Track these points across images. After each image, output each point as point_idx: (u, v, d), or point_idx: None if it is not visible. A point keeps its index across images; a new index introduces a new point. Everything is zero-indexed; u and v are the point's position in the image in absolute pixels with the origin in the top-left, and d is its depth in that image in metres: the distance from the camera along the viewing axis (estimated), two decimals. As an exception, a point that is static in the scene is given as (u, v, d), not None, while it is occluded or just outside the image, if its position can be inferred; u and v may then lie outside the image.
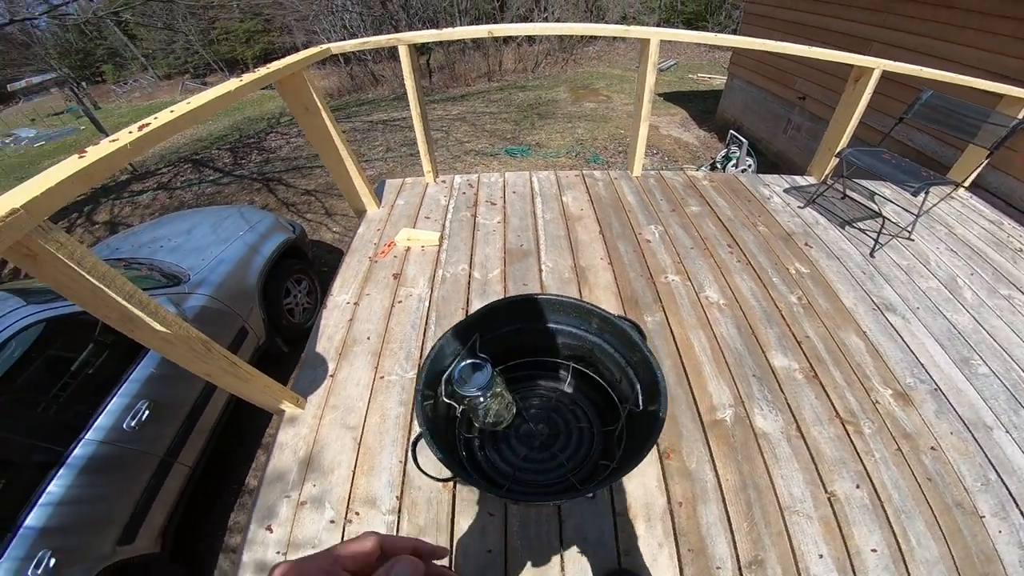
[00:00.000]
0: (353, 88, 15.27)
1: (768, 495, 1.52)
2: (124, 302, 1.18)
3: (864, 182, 3.45)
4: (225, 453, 2.91)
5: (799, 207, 3.14)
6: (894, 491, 1.55)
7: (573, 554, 1.38)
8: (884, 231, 2.80)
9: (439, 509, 1.51)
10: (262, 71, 1.99)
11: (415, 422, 1.58)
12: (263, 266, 3.23)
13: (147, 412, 2.26)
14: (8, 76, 33.82)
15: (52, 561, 1.80)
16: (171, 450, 2.39)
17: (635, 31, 2.72)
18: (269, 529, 1.51)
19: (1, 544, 1.76)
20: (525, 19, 16.26)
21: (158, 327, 1.24)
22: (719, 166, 6.75)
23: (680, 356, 1.97)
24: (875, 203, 3.22)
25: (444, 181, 3.27)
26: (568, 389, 1.12)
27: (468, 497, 1.52)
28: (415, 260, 2.53)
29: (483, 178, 3.30)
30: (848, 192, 3.32)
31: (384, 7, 14.43)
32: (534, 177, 3.32)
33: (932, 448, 1.68)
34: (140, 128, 1.35)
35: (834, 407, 1.80)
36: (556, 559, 1.37)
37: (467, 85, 13.92)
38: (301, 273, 3.70)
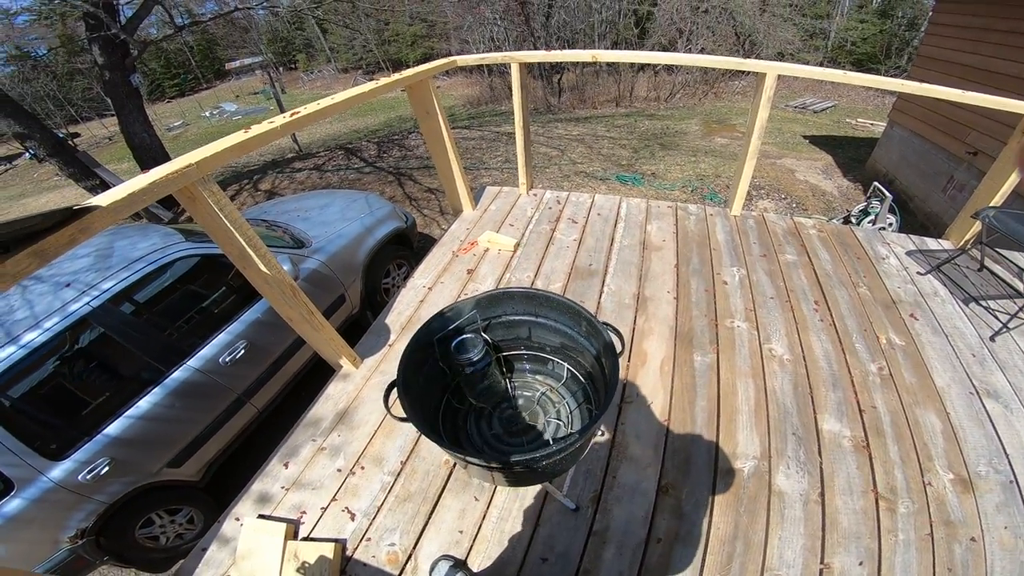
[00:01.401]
0: (491, 99, 16.31)
1: (755, 553, 1.44)
2: (244, 243, 1.54)
3: (1017, 255, 2.93)
4: (293, 410, 3.31)
5: (919, 273, 2.78)
6: (901, 574, 1.40)
7: (534, 559, 1.45)
8: (1022, 315, 2.39)
9: (432, 481, 1.68)
10: (395, 76, 2.34)
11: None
12: (372, 247, 3.67)
13: (243, 351, 2.64)
14: (227, 56, 41.67)
15: (106, 469, 2.09)
16: (249, 390, 2.73)
17: (751, 64, 2.66)
18: (286, 465, 1.78)
19: (75, 446, 2.06)
20: (666, 47, 16.01)
21: (262, 267, 1.59)
22: (853, 220, 6.09)
23: (719, 399, 1.92)
24: (1022, 280, 2.73)
25: (536, 194, 3.47)
26: (561, 389, 1.21)
27: (462, 479, 1.67)
28: (490, 261, 2.75)
29: (572, 196, 3.43)
30: (988, 264, 2.84)
31: (527, 25, 15.24)
32: (623, 203, 3.37)
33: (972, 539, 1.49)
34: (292, 115, 1.75)
35: (874, 480, 1.65)
36: (518, 558, 1.45)
37: (593, 108, 14.13)
38: (403, 259, 4.12)
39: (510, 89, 2.95)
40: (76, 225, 1.09)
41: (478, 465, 0.91)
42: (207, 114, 25.88)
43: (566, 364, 1.21)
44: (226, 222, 1.49)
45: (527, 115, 3.08)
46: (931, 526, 1.52)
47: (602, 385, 1.02)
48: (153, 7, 6.73)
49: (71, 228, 1.08)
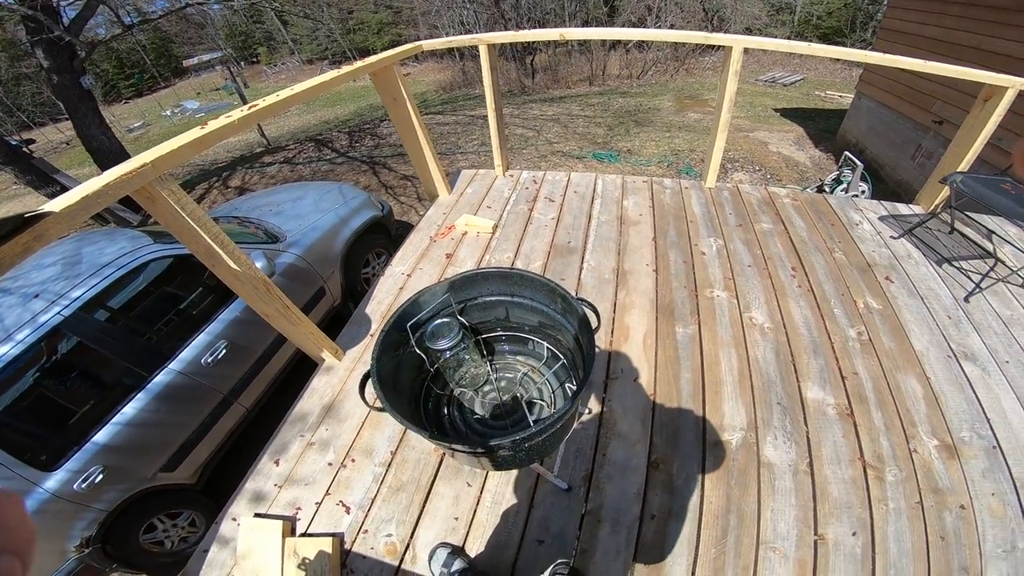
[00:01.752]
0: (464, 83, 16.07)
1: (749, 526, 1.46)
2: (210, 241, 1.48)
3: (985, 217, 3.01)
4: (280, 408, 3.27)
5: (892, 237, 2.84)
6: (894, 544, 1.42)
7: (531, 541, 1.45)
8: (992, 274, 2.45)
9: (423, 470, 1.67)
10: (358, 64, 2.27)
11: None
12: (349, 237, 3.61)
13: (224, 351, 2.60)
14: (184, 53, 40.13)
15: (100, 477, 2.08)
16: (234, 390, 2.71)
17: (717, 38, 2.65)
18: (276, 463, 1.76)
19: (65, 455, 2.04)
20: (636, 25, 15.93)
21: (232, 264, 1.53)
22: (827, 189, 6.19)
23: (703, 371, 1.93)
24: (992, 242, 2.81)
25: (512, 175, 3.43)
26: (542, 369, 1.20)
27: (453, 465, 1.66)
28: (468, 244, 2.72)
29: (548, 175, 3.40)
30: (959, 227, 2.91)
31: (497, 6, 14.99)
32: (599, 179, 3.35)
33: (961, 507, 1.51)
34: (249, 108, 1.67)
35: (860, 449, 1.67)
36: (515, 541, 1.46)
37: (567, 87, 14.03)
38: (382, 248, 4.06)
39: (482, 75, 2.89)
40: (29, 233, 1.04)
41: (463, 452, 0.89)
42: (168, 113, 24.92)
43: (545, 343, 1.20)
44: (189, 221, 1.43)
45: (499, 97, 3.03)
46: (920, 494, 1.55)
47: (582, 362, 1.01)
48: (97, 7, 6.39)
49: (24, 236, 1.03)
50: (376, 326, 2.26)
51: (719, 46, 2.74)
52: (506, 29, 14.65)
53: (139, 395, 2.30)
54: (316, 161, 8.43)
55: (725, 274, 2.47)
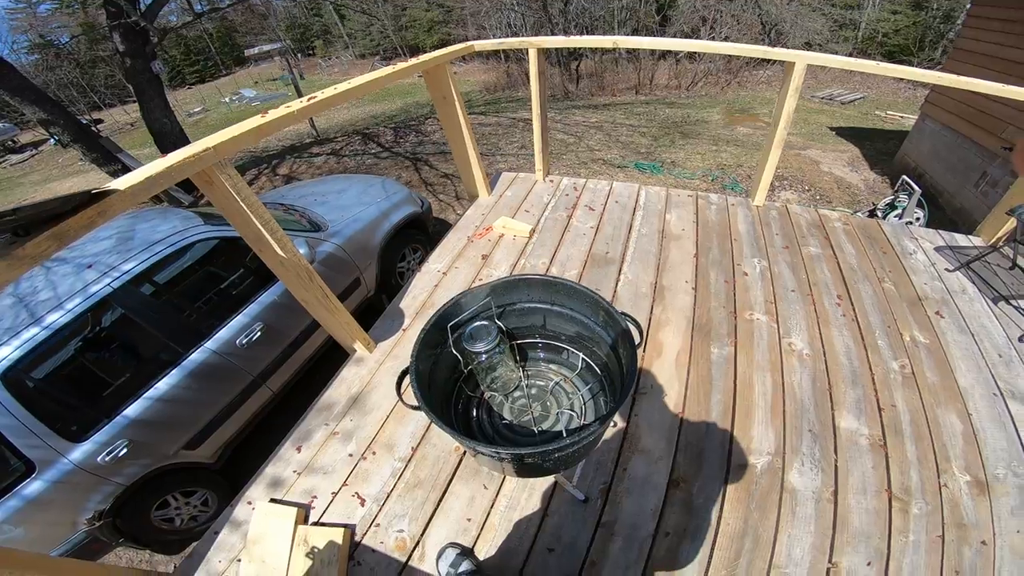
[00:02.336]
0: (508, 85, 16.15)
1: (763, 550, 1.42)
2: (260, 226, 1.54)
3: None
4: (304, 394, 3.34)
5: (947, 269, 2.68)
6: None
7: (541, 549, 1.44)
8: (1053, 317, 2.29)
9: (442, 468, 1.67)
10: (412, 61, 2.32)
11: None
12: (388, 231, 3.68)
13: (259, 334, 2.66)
14: (246, 43, 41.92)
15: (124, 451, 2.10)
16: (264, 373, 2.76)
17: (778, 53, 2.57)
18: (298, 449, 1.79)
19: (94, 427, 2.06)
20: (689, 36, 15.63)
21: (278, 250, 1.59)
22: (879, 214, 5.91)
23: (735, 393, 1.88)
24: None
25: (552, 181, 3.42)
26: (575, 379, 1.18)
27: (471, 466, 1.66)
28: (505, 247, 2.73)
29: (589, 183, 3.37)
30: (1021, 262, 2.73)
31: (545, 11, 15.00)
32: (643, 191, 3.30)
33: (982, 542, 1.45)
34: (308, 100, 1.74)
35: (889, 480, 1.61)
36: (525, 548, 1.45)
37: (612, 95, 13.90)
38: (418, 244, 4.12)
39: (527, 75, 2.89)
40: (95, 208, 1.10)
41: (488, 456, 0.89)
42: (227, 100, 26.11)
43: (581, 354, 1.19)
44: (243, 206, 1.49)
45: (544, 101, 3.03)
46: (943, 528, 1.49)
47: (618, 376, 1.00)
48: (172, -6, 6.76)
49: (90, 211, 1.09)
50: (409, 321, 2.29)
51: (774, 60, 2.66)
52: (553, 34, 14.65)
53: (173, 371, 2.34)
54: (361, 155, 8.64)
55: (767, 297, 2.39)
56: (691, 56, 14.91)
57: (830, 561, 1.40)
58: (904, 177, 5.95)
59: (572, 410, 1.13)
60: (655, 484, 1.58)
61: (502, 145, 8.48)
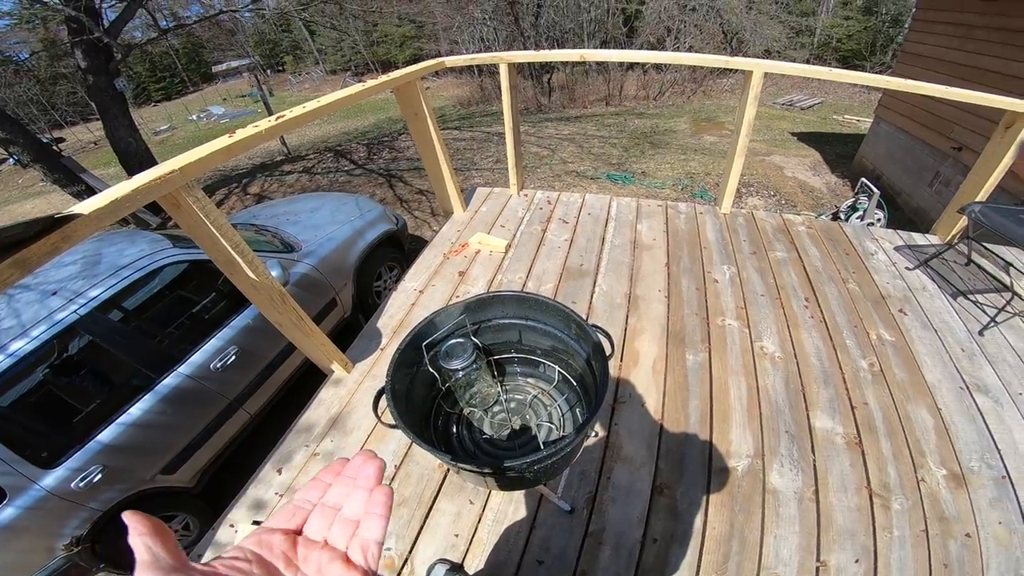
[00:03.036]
0: (482, 99, 16.29)
1: (751, 551, 1.45)
2: (230, 249, 1.52)
3: (1003, 249, 2.96)
4: (282, 417, 3.27)
5: (907, 268, 2.81)
6: (897, 572, 1.41)
7: (530, 561, 1.45)
8: (1008, 308, 2.40)
9: (427, 486, 1.67)
10: (383, 78, 2.33)
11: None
12: (363, 250, 3.66)
13: (234, 357, 2.62)
14: (214, 59, 41.26)
15: (99, 476, 2.08)
16: (241, 396, 2.72)
17: (737, 62, 2.68)
18: (279, 471, 1.77)
19: (66, 453, 2.04)
20: (655, 46, 16.09)
21: (249, 273, 1.57)
22: (842, 216, 6.15)
23: (711, 398, 1.92)
24: (1009, 275, 2.76)
25: (527, 195, 3.47)
26: (552, 392, 1.20)
27: (456, 482, 1.66)
28: (481, 262, 2.75)
29: (562, 196, 3.43)
30: (976, 258, 2.87)
31: (517, 24, 15.24)
32: (614, 202, 3.37)
33: (967, 535, 1.51)
34: (277, 118, 1.73)
35: (867, 477, 1.66)
36: (514, 560, 1.45)
37: (584, 107, 14.16)
38: (394, 262, 4.10)
39: (500, 89, 2.94)
40: (58, 234, 1.07)
41: (470, 471, 0.90)
42: (194, 117, 25.59)
43: (557, 367, 1.21)
44: (211, 228, 1.47)
45: (517, 115, 3.08)
46: (926, 522, 1.54)
47: (593, 388, 1.02)
48: (136, 10, 6.64)
49: (53, 237, 1.06)
50: (386, 340, 2.28)
51: (736, 68, 2.77)
52: (525, 47, 14.90)
53: (146, 396, 2.31)
54: (334, 172, 8.58)
55: (737, 303, 2.46)
56: (657, 67, 15.33)
57: (818, 560, 1.44)
58: (863, 180, 6.21)
59: (551, 422, 1.15)
60: (639, 491, 1.61)
61: (477, 160, 8.53)
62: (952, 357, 2.18)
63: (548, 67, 15.59)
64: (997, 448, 1.76)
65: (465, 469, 0.90)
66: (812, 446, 1.76)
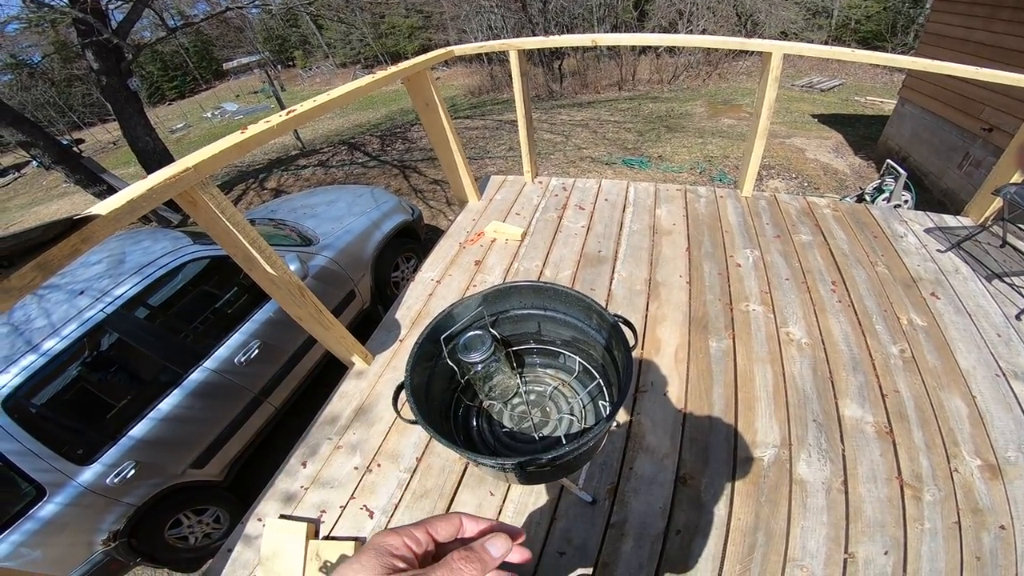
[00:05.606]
0: (493, 87, 16.15)
1: (777, 543, 1.41)
2: (248, 245, 1.51)
3: (1035, 232, 2.84)
4: (307, 408, 3.31)
5: (938, 250, 2.70)
6: (927, 564, 1.36)
7: (551, 552, 1.43)
8: (1047, 292, 2.31)
9: (448, 477, 1.66)
10: (392, 69, 2.30)
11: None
12: (380, 241, 3.66)
13: (257, 351, 2.65)
14: (224, 56, 41.54)
15: (132, 472, 2.13)
16: (265, 389, 2.76)
17: (755, 44, 2.60)
18: (304, 464, 1.78)
19: (101, 450, 2.09)
20: (667, 30, 15.71)
21: (268, 268, 1.57)
22: (868, 199, 5.97)
23: (736, 386, 1.87)
24: None
25: (541, 182, 3.42)
26: (573, 383, 1.17)
27: (477, 474, 1.65)
28: (497, 251, 2.72)
29: (578, 183, 3.37)
30: (1011, 240, 2.76)
31: (524, 11, 15.00)
32: (631, 187, 3.31)
33: (1001, 527, 1.44)
34: (288, 113, 1.71)
35: (899, 467, 1.60)
36: (535, 551, 1.44)
37: (596, 92, 13.94)
38: (411, 252, 4.11)
39: (511, 77, 2.88)
40: (78, 235, 1.07)
41: (491, 466, 0.88)
42: (209, 115, 25.88)
43: (577, 358, 1.17)
44: (228, 225, 1.47)
45: (528, 102, 3.02)
46: (958, 514, 1.48)
47: (615, 378, 0.99)
48: (143, 10, 6.67)
49: (73, 239, 1.06)
50: (405, 331, 2.27)
51: (753, 50, 2.68)
52: (534, 34, 14.67)
53: (174, 392, 2.35)
54: (349, 164, 8.60)
55: (762, 287, 2.40)
56: (671, 50, 15.00)
57: (846, 552, 1.40)
58: (889, 161, 6.01)
59: (572, 414, 1.12)
60: (662, 482, 1.58)
61: (490, 148, 8.47)
62: (987, 342, 2.09)
63: (558, 53, 15.36)
64: (1036, 437, 1.69)
65: (485, 464, 0.88)
66: (841, 435, 1.70)
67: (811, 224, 2.95)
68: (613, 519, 1.49)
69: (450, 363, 1.05)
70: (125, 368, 2.39)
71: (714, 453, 1.65)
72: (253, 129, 1.56)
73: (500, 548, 0.39)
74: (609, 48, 14.43)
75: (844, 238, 2.81)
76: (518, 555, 0.43)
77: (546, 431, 1.10)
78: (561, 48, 15.14)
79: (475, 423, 1.15)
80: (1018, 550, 1.40)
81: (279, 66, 38.27)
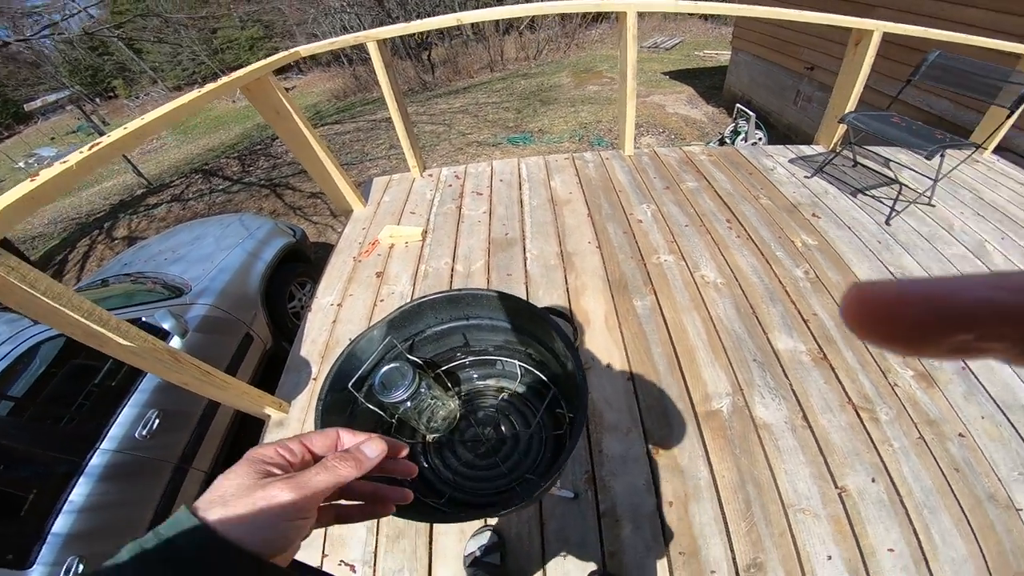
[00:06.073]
0: (359, 88, 15.29)
1: (770, 492, 1.40)
2: (83, 319, 1.17)
3: (878, 149, 3.25)
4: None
5: (806, 177, 2.98)
6: (915, 484, 1.41)
7: (555, 556, 1.32)
8: (901, 198, 2.62)
9: (416, 513, 1.47)
10: (222, 80, 1.97)
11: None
12: (264, 272, 3.24)
13: (158, 421, 2.28)
14: (23, 96, 34.76)
15: (80, 567, 1.84)
16: (185, 456, 2.40)
17: (609, 5, 2.62)
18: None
19: (32, 552, 1.79)
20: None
21: (122, 341, 1.23)
22: (728, 141, 6.52)
23: (672, 342, 1.87)
24: (891, 170, 3.02)
25: (431, 175, 3.22)
26: (519, 388, 1.04)
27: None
28: (398, 257, 2.49)
29: (470, 168, 3.23)
30: (860, 160, 3.13)
31: (381, 5, 14.37)
32: (522, 164, 3.23)
33: (960, 435, 1.53)
34: (90, 148, 1.36)
35: (846, 392, 1.66)
36: (536, 557, 1.32)
37: (470, 77, 13.80)
38: (304, 276, 3.70)
39: (376, 73, 2.63)
40: None
41: (465, 519, 0.72)
42: (22, 164, 21.63)
43: (516, 361, 1.04)
44: (47, 300, 1.11)
45: (400, 95, 2.79)
46: (917, 428, 1.55)
47: (561, 369, 0.87)
48: None
49: None
50: (316, 368, 1.99)
51: (602, 17, 2.71)
52: (390, 26, 14.09)
53: (81, 481, 2.01)
54: (209, 193, 7.64)
55: (666, 238, 2.45)
56: (532, 26, 15.27)
57: (836, 487, 1.41)
58: (738, 105, 6.62)
59: (528, 425, 0.99)
60: (635, 457, 1.51)
61: (368, 150, 8.00)
62: (872, 250, 2.31)
63: (426, 44, 14.95)
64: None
65: (460, 519, 0.72)
66: (783, 370, 1.75)
67: (693, 171, 3.09)
68: (602, 508, 1.40)
69: (371, 407, 0.85)
70: (14, 467, 1.98)
71: (674, 416, 1.62)
72: (47, 174, 1.20)
73: (375, 449, 0.41)
74: (475, 31, 14.32)
75: (725, 179, 2.98)
76: (403, 467, 0.46)
77: (507, 449, 0.96)
78: (428, 37, 14.73)
79: (425, 462, 0.97)
80: (986, 456, 1.46)
81: (97, 99, 32.93)
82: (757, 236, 2.42)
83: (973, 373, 1.71)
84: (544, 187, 2.96)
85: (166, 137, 15.46)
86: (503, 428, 0.98)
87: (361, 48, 2.56)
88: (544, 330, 0.85)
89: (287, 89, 2.34)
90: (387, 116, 9.49)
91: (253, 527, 0.32)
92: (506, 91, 10.91)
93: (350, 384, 0.84)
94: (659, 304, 2.04)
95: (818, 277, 2.15)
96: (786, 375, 1.73)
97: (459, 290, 0.94)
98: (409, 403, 0.82)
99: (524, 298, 1.34)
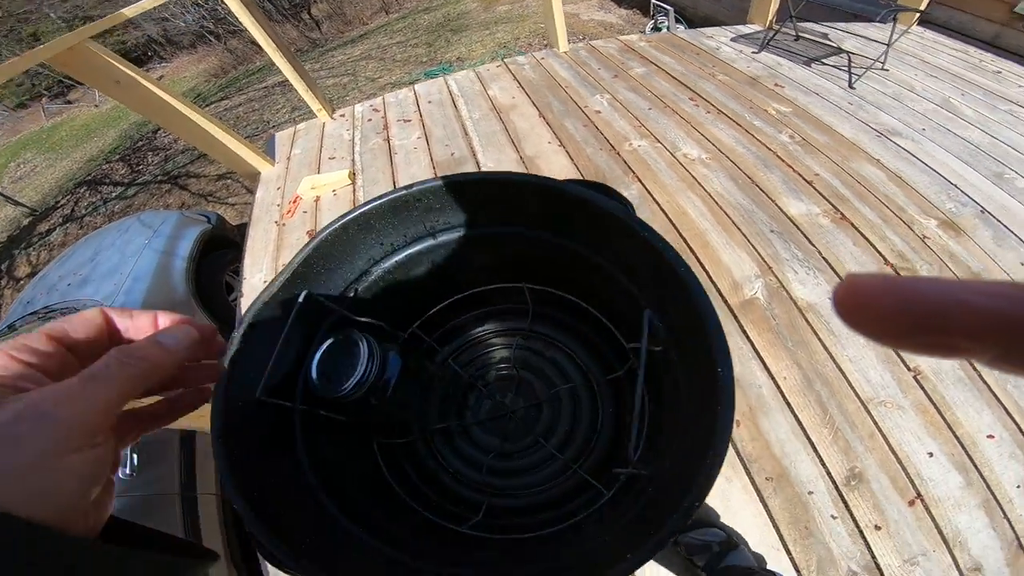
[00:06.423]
0: (238, 61, 13.62)
1: (842, 388, 1.20)
2: None
3: (813, 24, 3.08)
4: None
5: (753, 53, 2.77)
6: None
7: None
8: (855, 64, 2.50)
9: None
10: (25, 54, 1.53)
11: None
12: (187, 268, 2.77)
13: (135, 456, 1.91)
14: None
15: None
16: (186, 484, 2.05)
17: None
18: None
19: None
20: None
21: None
22: (653, 37, 6.21)
23: (676, 228, 1.62)
24: (831, 39, 2.87)
25: (343, 115, 2.72)
26: (537, 327, 0.70)
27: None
28: (329, 208, 2.07)
29: (388, 98, 2.76)
30: (801, 34, 2.97)
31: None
32: (450, 80, 2.79)
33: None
34: None
35: (879, 252, 1.47)
36: None
37: (364, 24, 12.56)
38: (236, 262, 3.22)
39: (252, 43, 2.08)
40: None
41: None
42: None
43: (524, 284, 0.69)
44: None
45: (278, 38, 2.26)
46: (959, 279, 1.40)
47: (616, 291, 0.54)
48: None
49: None
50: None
51: None
52: (261, -21, 12.41)
53: None
54: (103, 204, 6.75)
55: (633, 124, 2.16)
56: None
57: (909, 369, 1.22)
58: (654, 1, 6.28)
59: (567, 380, 0.65)
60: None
61: (268, 117, 7.18)
62: (847, 111, 2.15)
63: (304, 1, 13.38)
64: (952, 183, 1.70)
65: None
66: (805, 236, 1.54)
67: (637, 58, 2.79)
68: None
69: (333, 416, 0.51)
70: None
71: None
72: None
73: (179, 338, 0.27)
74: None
75: (673, 62, 2.72)
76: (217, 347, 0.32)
77: (540, 426, 0.64)
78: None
79: (440, 464, 0.64)
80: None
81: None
82: (727, 109, 2.19)
83: (992, 215, 1.59)
84: (482, 97, 2.56)
85: (32, 159, 13.48)
86: (533, 387, 0.66)
87: (227, 21, 1.99)
88: (583, 218, 0.52)
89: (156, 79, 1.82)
90: (278, 81, 8.47)
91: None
92: (409, 29, 9.99)
93: (260, 392, 0.48)
94: (647, 191, 1.78)
95: (805, 140, 1.97)
96: (811, 243, 1.52)
97: (407, 187, 0.59)
98: (373, 401, 0.48)
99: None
